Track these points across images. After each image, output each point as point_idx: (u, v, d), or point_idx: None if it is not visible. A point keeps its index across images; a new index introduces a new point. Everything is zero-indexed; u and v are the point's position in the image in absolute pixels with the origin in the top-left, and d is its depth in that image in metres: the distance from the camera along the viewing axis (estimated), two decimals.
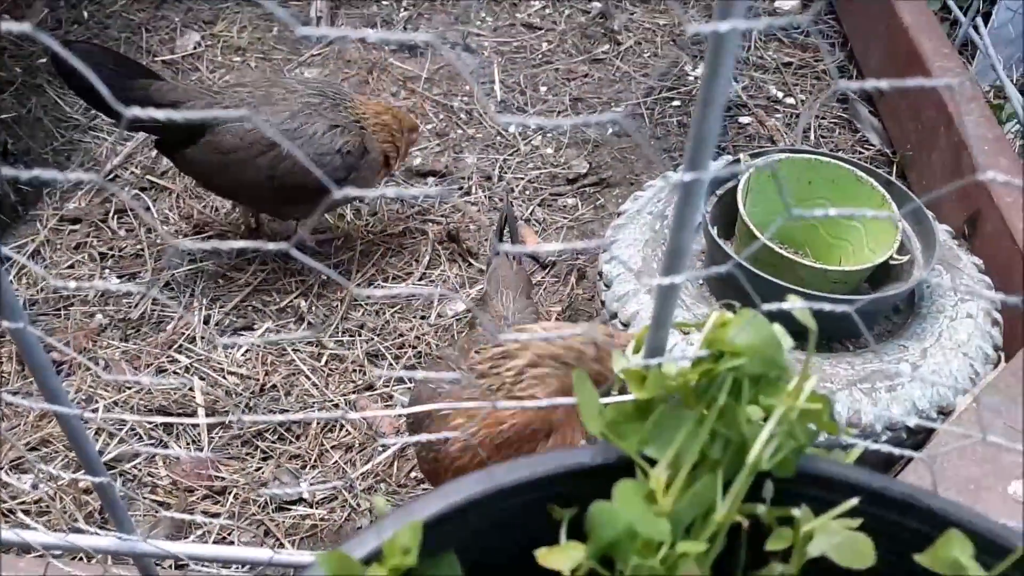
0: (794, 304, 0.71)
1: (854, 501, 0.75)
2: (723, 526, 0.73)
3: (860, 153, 2.56)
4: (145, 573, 1.01)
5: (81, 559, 1.73)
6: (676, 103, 2.77)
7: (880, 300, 1.66)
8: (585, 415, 0.69)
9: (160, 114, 0.48)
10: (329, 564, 0.63)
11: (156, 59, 2.90)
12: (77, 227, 2.45)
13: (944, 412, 1.62)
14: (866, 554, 0.74)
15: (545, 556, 0.72)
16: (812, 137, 2.61)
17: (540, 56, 2.98)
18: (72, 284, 0.56)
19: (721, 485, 0.72)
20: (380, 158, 2.21)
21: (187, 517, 1.66)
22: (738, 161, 1.90)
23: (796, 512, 0.74)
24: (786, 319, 0.72)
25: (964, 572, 0.70)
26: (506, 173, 2.60)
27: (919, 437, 1.63)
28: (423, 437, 1.00)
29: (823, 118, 2.67)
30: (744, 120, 2.70)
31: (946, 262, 1.86)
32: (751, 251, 1.58)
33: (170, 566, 1.78)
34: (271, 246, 0.57)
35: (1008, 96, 2.16)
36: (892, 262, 1.72)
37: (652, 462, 0.73)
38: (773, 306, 0.69)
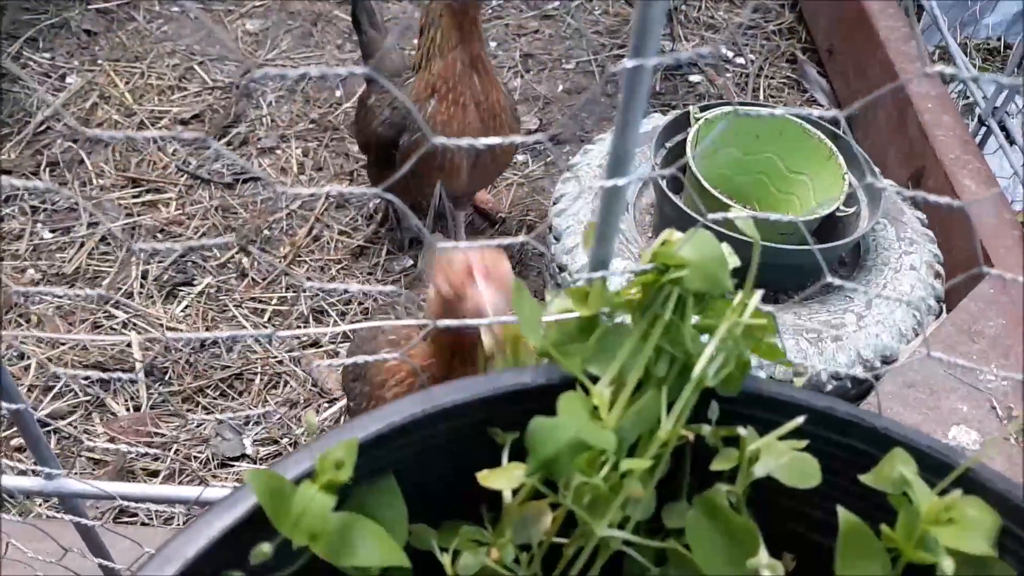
0: (739, 213, 0.69)
1: (799, 420, 0.74)
2: (669, 444, 0.71)
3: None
4: (75, 515, 0.97)
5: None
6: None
7: (827, 250, 1.67)
8: (527, 331, 0.67)
9: None
10: (259, 482, 0.61)
11: (91, 7, 2.79)
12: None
13: (888, 361, 1.64)
14: (812, 474, 0.73)
15: (486, 478, 0.70)
16: (761, 97, 2.62)
17: (489, 11, 2.92)
18: None
19: (666, 403, 0.71)
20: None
21: (130, 448, 1.61)
22: (687, 114, 1.89)
23: (742, 431, 0.73)
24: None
25: (908, 487, 0.69)
26: None
27: (864, 386, 1.65)
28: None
29: (772, 78, 2.67)
30: (694, 79, 2.69)
31: (891, 216, 1.87)
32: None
33: (103, 523, 1.73)
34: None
35: (952, 56, 2.18)
36: (839, 214, 1.73)
37: (596, 381, 0.71)
38: (719, 215, 0.67)
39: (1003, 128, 1.97)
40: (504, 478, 0.69)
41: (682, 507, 0.78)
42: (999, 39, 2.57)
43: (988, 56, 2.47)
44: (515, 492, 0.74)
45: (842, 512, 0.73)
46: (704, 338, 0.76)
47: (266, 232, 2.28)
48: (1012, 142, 1.96)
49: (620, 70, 0.52)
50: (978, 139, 2.03)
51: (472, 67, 1.79)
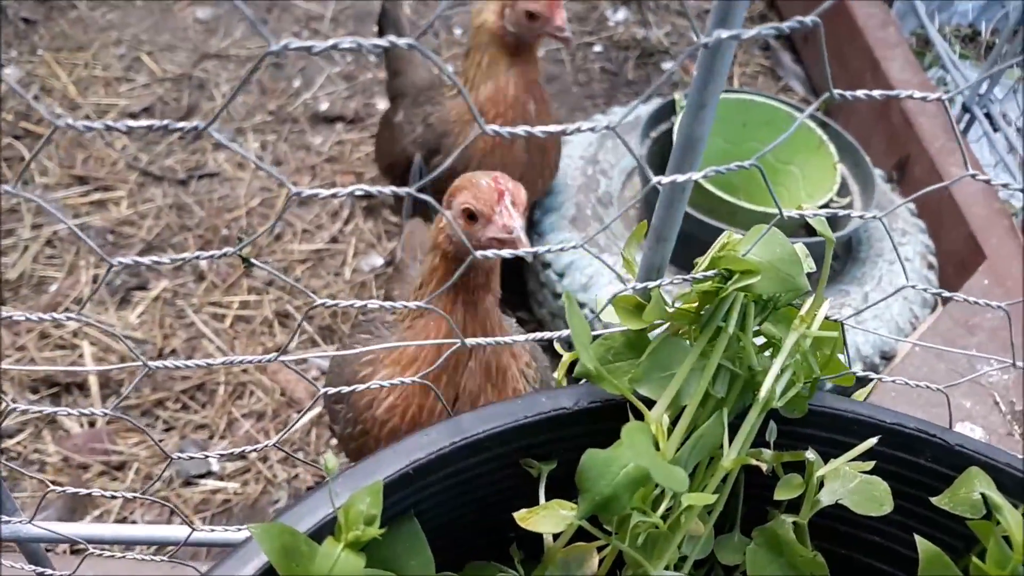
0: (815, 209, 0.61)
1: (873, 441, 0.66)
2: (731, 474, 0.63)
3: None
4: (33, 561, 0.86)
5: None
6: (597, 48, 2.66)
7: (820, 243, 1.61)
8: (578, 347, 0.58)
9: None
10: (269, 539, 0.50)
11: None
12: None
13: (887, 357, 1.59)
14: (883, 500, 0.65)
15: (526, 519, 0.61)
16: (735, 84, 2.56)
17: None
18: None
19: (727, 427, 0.63)
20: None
21: (81, 491, 1.48)
22: (672, 102, 1.82)
23: (809, 456, 0.65)
24: None
25: (997, 512, 0.62)
26: None
27: (863, 384, 1.59)
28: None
29: (746, 65, 2.61)
30: (667, 66, 2.62)
31: (880, 206, 1.82)
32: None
33: (64, 551, 1.60)
34: None
35: (932, 40, 2.14)
36: (832, 205, 1.67)
37: (648, 403, 0.63)
38: (794, 213, 0.59)
39: (987, 115, 1.93)
40: (549, 520, 0.60)
41: (736, 540, 0.70)
42: (970, 26, 2.54)
43: (964, 43, 2.44)
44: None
45: (921, 542, 0.65)
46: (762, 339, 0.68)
47: (224, 231, 2.15)
48: (996, 129, 1.92)
49: (713, 40, 0.43)
50: (962, 126, 1.99)
51: (528, 93, 1.60)
